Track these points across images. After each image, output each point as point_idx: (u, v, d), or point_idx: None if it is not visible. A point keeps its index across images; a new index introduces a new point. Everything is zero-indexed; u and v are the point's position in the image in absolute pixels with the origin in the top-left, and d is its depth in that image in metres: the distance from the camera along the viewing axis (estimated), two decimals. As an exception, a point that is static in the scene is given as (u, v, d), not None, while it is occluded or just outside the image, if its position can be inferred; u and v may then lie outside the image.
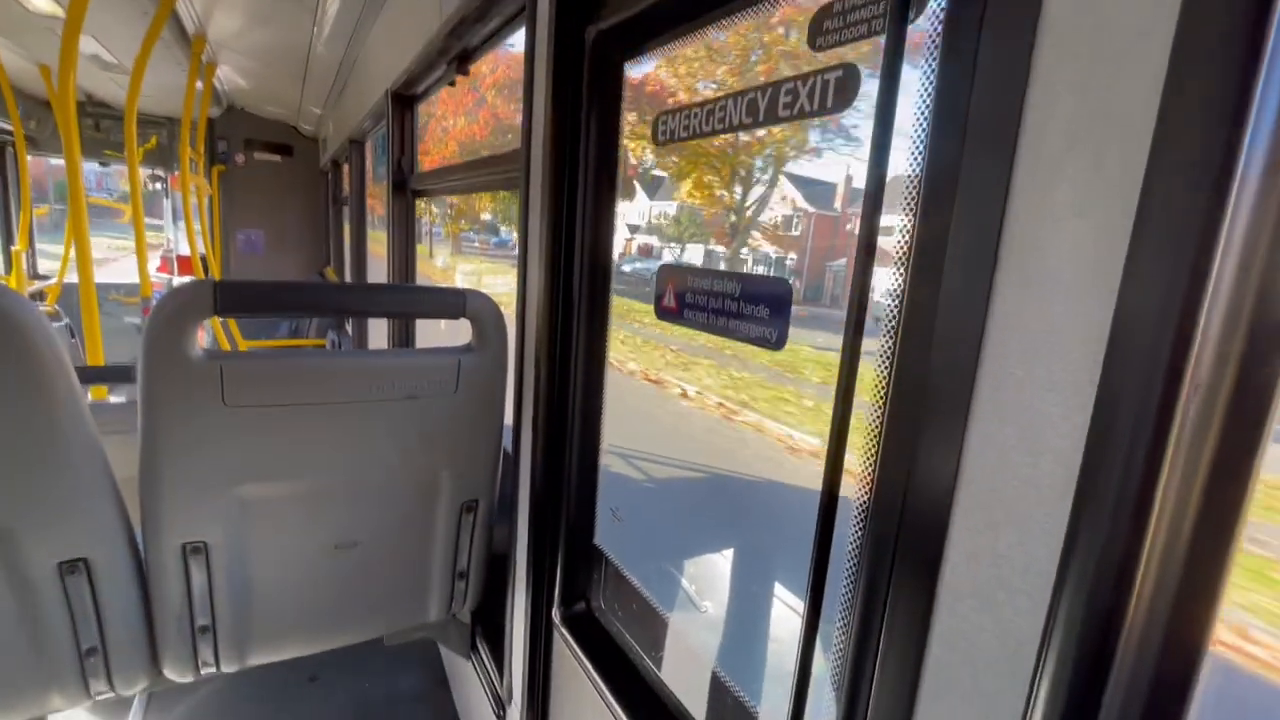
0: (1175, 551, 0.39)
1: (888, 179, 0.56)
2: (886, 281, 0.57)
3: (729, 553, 2.99)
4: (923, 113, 0.53)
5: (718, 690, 1.02)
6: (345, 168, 4.37)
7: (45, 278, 5.21)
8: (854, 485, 0.61)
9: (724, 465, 4.32)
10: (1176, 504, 0.39)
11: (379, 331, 4.22)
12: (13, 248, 4.86)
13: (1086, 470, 0.42)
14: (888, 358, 0.56)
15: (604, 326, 1.22)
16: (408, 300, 1.47)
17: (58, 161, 6.30)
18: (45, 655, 1.13)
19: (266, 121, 5.86)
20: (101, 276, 3.01)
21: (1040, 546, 0.45)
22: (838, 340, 0.59)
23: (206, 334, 4.72)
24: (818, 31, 0.67)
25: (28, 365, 0.97)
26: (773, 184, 4.31)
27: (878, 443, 0.57)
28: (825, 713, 0.66)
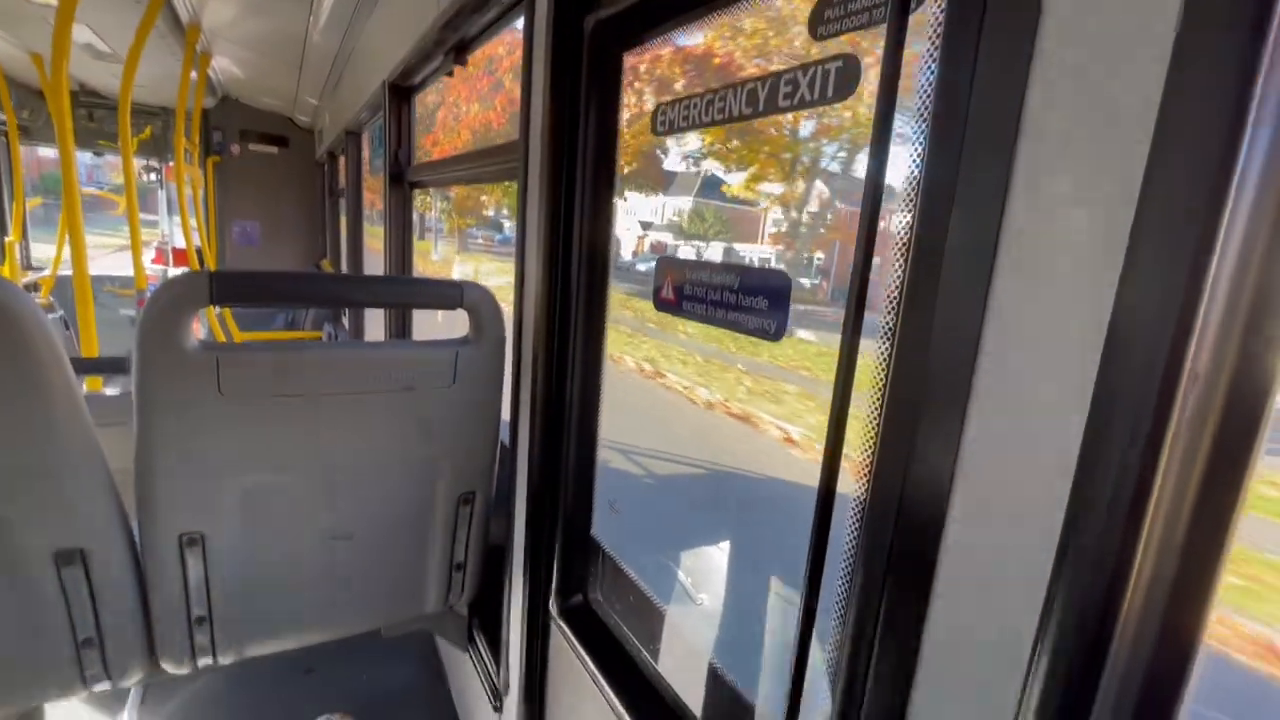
0: (1171, 545, 0.39)
1: (888, 171, 0.56)
2: (886, 275, 0.57)
3: (725, 545, 3.00)
4: (924, 105, 0.53)
5: (714, 682, 1.02)
6: (341, 159, 4.34)
7: (39, 269, 5.18)
8: (852, 478, 0.61)
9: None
10: (1173, 498, 0.39)
11: (375, 324, 4.20)
12: (6, 238, 4.83)
13: (1083, 464, 0.42)
14: (886, 352, 0.56)
15: (602, 318, 1.22)
16: (405, 291, 1.47)
17: (45, 152, 6.25)
18: (41, 646, 1.13)
19: (262, 112, 5.82)
20: (95, 269, 2.99)
21: (1036, 539, 0.45)
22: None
23: (202, 326, 4.70)
24: (819, 20, 0.67)
25: (22, 356, 0.96)
26: (813, 178, 3.93)
27: (876, 436, 0.57)
28: (821, 704, 0.66)
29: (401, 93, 2.58)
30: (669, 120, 0.97)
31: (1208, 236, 0.35)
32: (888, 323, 0.56)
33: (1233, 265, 0.35)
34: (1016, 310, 0.46)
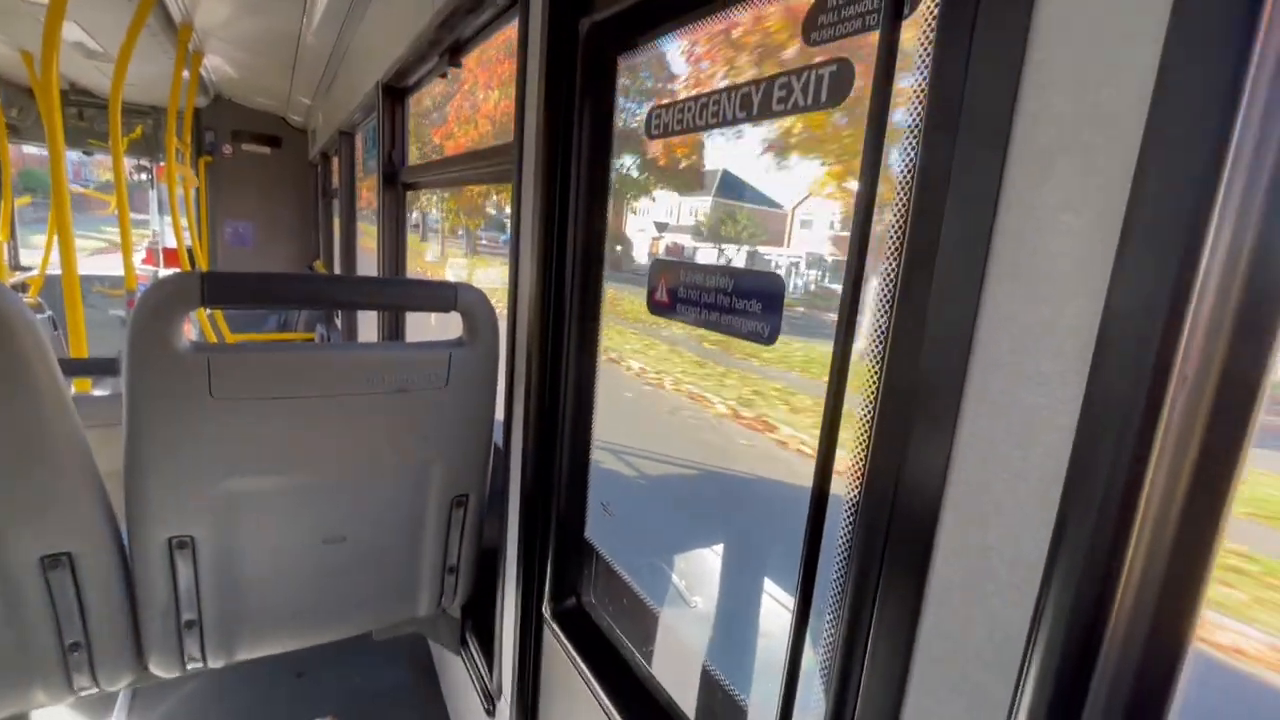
0: (1162, 544, 0.40)
1: (881, 175, 0.56)
2: (879, 276, 0.57)
3: (719, 547, 2.99)
4: (916, 109, 0.53)
5: (708, 684, 1.02)
6: (335, 160, 4.33)
7: (27, 269, 5.13)
8: (845, 479, 0.61)
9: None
10: (1164, 497, 0.39)
11: (369, 326, 4.18)
12: None
13: (1075, 464, 0.42)
14: (879, 352, 0.57)
15: (596, 320, 1.22)
16: (399, 293, 1.46)
17: (30, 150, 6.18)
18: (27, 650, 1.11)
19: (255, 112, 5.78)
20: (84, 269, 2.96)
21: (1029, 539, 0.45)
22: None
23: (194, 328, 4.67)
24: (812, 26, 0.67)
25: (10, 356, 0.95)
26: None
27: (869, 436, 0.58)
28: (815, 705, 0.66)
29: (395, 94, 2.58)
30: (663, 124, 0.97)
31: (1197, 239, 0.36)
32: (881, 324, 0.57)
33: (1222, 267, 0.36)
34: (1009, 312, 0.46)
